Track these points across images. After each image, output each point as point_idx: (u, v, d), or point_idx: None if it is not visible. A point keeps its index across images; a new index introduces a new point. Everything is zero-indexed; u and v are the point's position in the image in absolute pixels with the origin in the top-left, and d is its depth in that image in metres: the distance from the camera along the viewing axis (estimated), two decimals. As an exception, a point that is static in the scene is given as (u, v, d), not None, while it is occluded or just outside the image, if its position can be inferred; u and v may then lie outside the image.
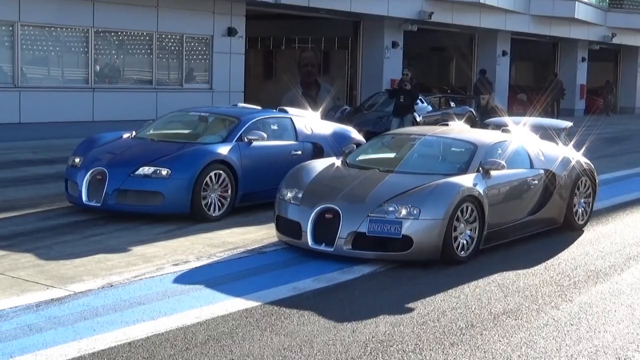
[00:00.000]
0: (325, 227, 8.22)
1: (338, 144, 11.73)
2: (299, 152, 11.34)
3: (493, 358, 5.70)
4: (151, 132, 11.25)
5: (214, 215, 10.01)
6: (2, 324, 6.01)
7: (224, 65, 21.64)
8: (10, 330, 5.89)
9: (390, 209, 8.08)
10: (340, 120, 20.29)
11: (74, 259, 7.98)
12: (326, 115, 21.36)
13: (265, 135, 10.82)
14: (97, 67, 19.32)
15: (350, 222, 8.10)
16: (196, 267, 7.86)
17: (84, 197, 9.80)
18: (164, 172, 9.72)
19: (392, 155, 9.90)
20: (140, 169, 9.77)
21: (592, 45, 37.45)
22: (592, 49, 37.91)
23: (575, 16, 32.30)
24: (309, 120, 12.14)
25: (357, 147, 11.23)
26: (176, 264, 7.91)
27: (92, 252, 8.25)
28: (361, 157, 9.71)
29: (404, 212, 8.04)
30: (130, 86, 20.10)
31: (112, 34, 19.65)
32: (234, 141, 10.50)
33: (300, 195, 8.62)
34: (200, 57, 21.57)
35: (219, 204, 10.09)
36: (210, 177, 9.92)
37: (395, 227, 7.99)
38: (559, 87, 33.74)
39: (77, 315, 6.29)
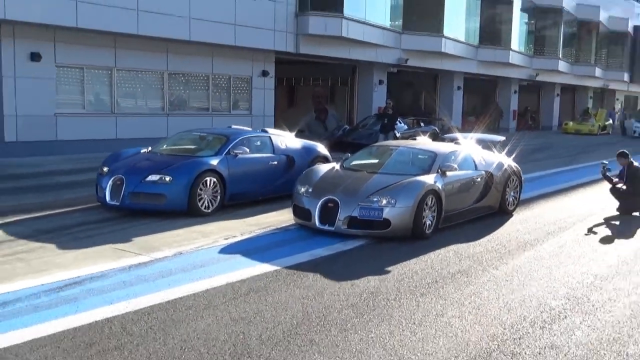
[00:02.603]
0: (328, 212, 8.23)
1: (307, 156, 11.34)
2: (275, 163, 10.74)
3: (451, 304, 5.72)
4: (163, 147, 10.54)
5: (206, 211, 9.38)
6: (104, 281, 6.08)
7: (259, 97, 21.64)
8: (110, 285, 5.96)
9: (375, 199, 8.08)
10: (341, 137, 20.34)
11: (154, 234, 8.05)
12: (332, 133, 21.41)
13: (248, 150, 10.21)
14: (172, 98, 19.38)
15: (346, 209, 8.11)
16: (240, 240, 7.90)
17: (108, 198, 9.27)
18: (167, 178, 9.13)
19: (376, 161, 9.85)
20: (149, 176, 9.20)
21: (521, 81, 37.25)
22: (522, 84, 37.72)
23: (510, 61, 32.20)
24: (284, 138, 11.45)
25: (324, 159, 11.26)
26: (226, 238, 7.95)
27: (166, 231, 8.30)
28: (354, 162, 9.68)
29: (384, 201, 8.04)
30: (193, 112, 20.09)
31: (180, 75, 19.66)
32: (223, 154, 9.88)
33: (310, 189, 8.62)
34: (242, 91, 21.56)
35: (211, 203, 9.50)
36: (204, 182, 9.36)
37: (378, 213, 8.00)
38: (499, 111, 33.60)
39: (157, 274, 6.35)
